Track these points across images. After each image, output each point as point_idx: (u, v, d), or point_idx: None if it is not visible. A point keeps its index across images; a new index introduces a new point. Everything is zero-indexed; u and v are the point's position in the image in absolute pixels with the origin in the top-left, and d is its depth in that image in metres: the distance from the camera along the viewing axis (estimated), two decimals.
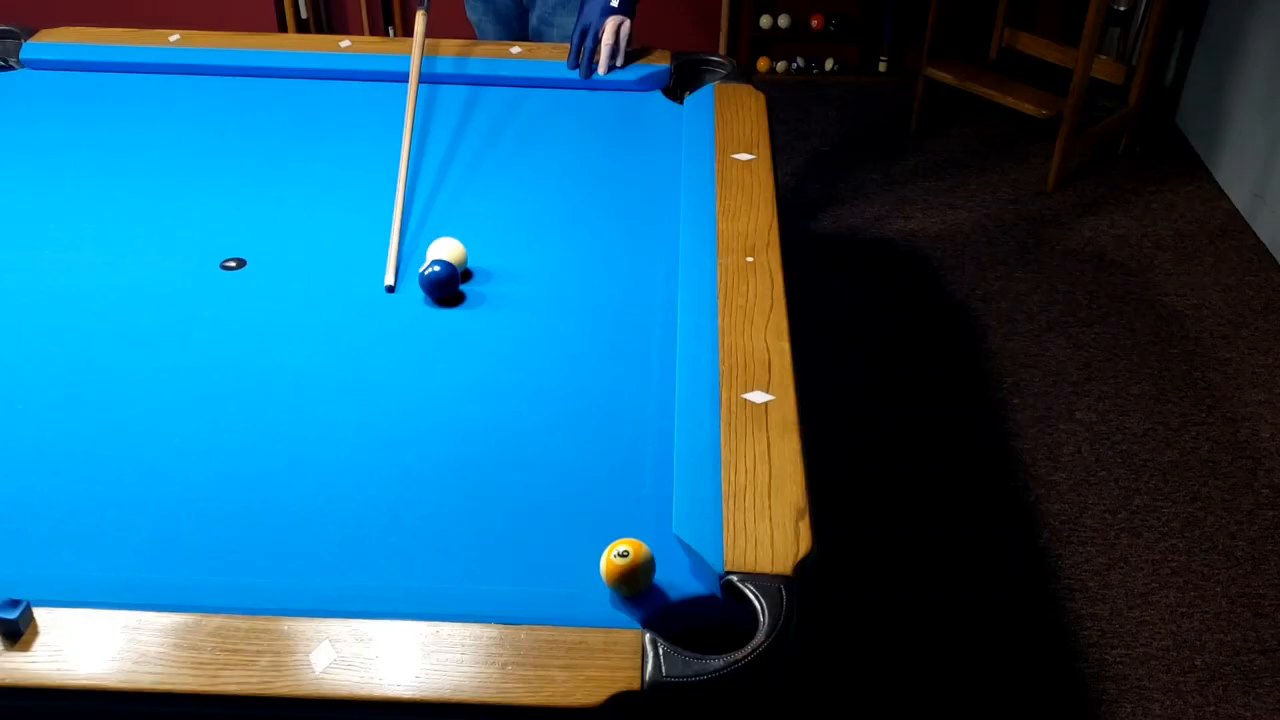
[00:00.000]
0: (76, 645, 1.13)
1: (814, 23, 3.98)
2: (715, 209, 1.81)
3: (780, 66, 4.09)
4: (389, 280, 1.71)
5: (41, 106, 2.16)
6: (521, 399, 1.51)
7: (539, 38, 2.60)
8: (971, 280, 3.13)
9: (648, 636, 1.14)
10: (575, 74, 2.27)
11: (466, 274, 1.73)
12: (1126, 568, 2.31)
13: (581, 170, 2.02)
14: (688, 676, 1.10)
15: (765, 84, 4.05)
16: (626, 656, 1.13)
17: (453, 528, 1.32)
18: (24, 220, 1.85)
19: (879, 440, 2.61)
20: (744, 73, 2.26)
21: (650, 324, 1.65)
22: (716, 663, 1.10)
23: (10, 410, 1.48)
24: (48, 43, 2.31)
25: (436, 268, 1.67)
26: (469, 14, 2.75)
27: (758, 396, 1.44)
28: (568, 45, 2.38)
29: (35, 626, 1.15)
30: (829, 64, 4.08)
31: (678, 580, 1.24)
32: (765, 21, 3.98)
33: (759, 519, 1.26)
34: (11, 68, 2.28)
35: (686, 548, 1.25)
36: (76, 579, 1.24)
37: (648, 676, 1.11)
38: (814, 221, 3.37)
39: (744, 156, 1.96)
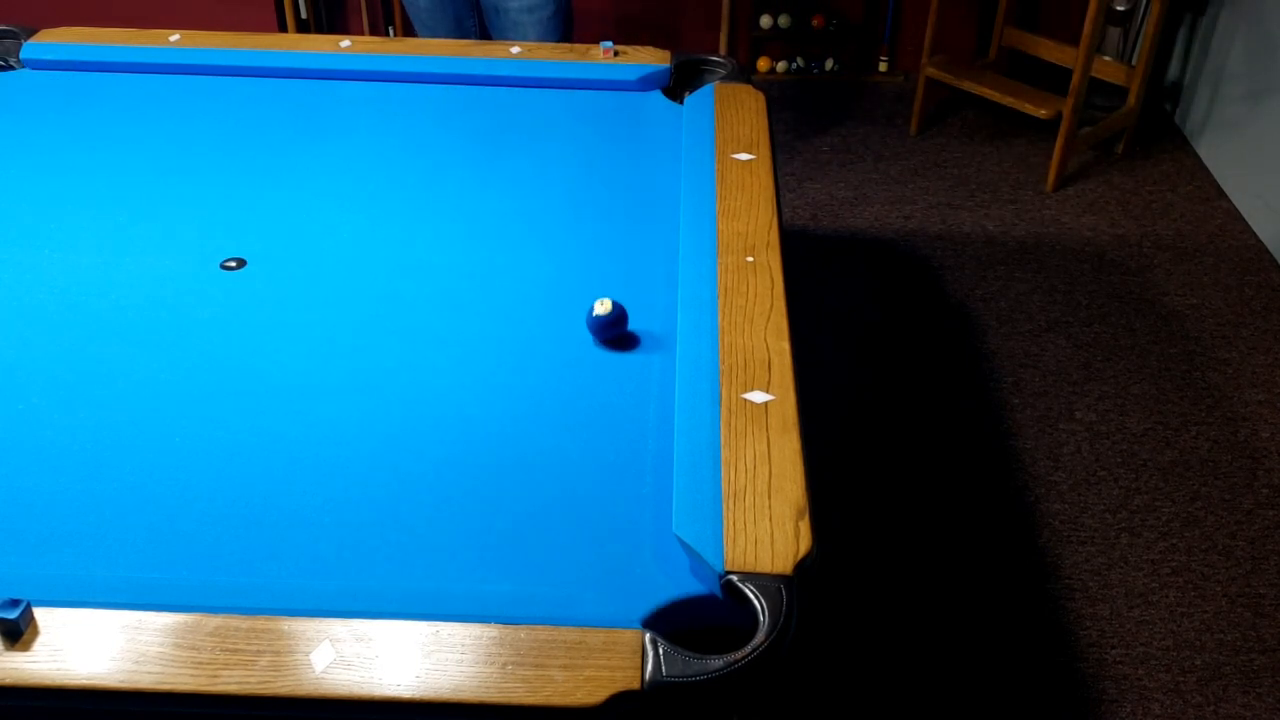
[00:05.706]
0: (76, 645, 1.13)
1: (814, 23, 3.98)
2: (715, 209, 1.81)
3: (780, 66, 4.09)
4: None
5: (41, 106, 2.16)
6: (521, 399, 1.51)
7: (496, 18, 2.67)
8: (971, 280, 3.13)
9: (648, 636, 1.14)
10: (575, 74, 2.27)
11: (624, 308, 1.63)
12: (1126, 568, 2.30)
13: (581, 170, 2.02)
14: (688, 676, 1.10)
15: (765, 84, 4.07)
16: (626, 656, 1.13)
17: (453, 528, 1.32)
18: (24, 220, 1.85)
19: (879, 440, 2.60)
20: (744, 73, 2.26)
21: (650, 324, 1.65)
22: (716, 663, 1.10)
23: (10, 410, 1.48)
24: (48, 43, 2.31)
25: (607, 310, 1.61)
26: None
27: (758, 396, 1.44)
28: (567, 45, 2.38)
29: (35, 626, 1.15)
30: (829, 64, 4.08)
31: (678, 580, 1.24)
32: (765, 21, 3.98)
33: (759, 519, 1.26)
34: (11, 68, 2.28)
35: (686, 547, 1.25)
36: (76, 579, 1.24)
37: (647, 676, 1.11)
38: (814, 221, 3.37)
39: (744, 156, 1.96)
